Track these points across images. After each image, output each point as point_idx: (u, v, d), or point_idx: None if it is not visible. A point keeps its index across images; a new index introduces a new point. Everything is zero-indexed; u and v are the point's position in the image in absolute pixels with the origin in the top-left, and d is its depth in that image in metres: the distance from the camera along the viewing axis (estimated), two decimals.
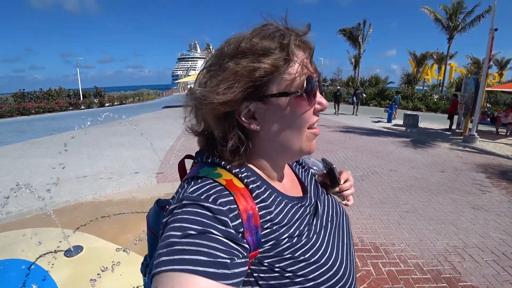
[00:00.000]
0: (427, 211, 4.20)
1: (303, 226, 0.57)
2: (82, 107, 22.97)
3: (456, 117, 11.97)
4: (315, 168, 0.84)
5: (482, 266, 2.90)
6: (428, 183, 5.43)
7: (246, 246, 0.46)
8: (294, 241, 0.53)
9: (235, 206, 0.47)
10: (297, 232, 0.55)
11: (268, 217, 0.52)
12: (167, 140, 9.04)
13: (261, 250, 0.50)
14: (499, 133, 11.22)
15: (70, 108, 22.17)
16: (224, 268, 0.40)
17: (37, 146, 8.69)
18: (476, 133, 9.18)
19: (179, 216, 0.43)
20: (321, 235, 0.59)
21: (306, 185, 0.71)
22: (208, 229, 0.42)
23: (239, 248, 0.44)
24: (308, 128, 0.56)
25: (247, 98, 0.51)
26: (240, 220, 0.46)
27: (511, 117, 11.14)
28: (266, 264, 0.50)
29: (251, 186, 0.53)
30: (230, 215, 0.45)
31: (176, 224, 0.42)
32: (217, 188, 0.48)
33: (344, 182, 0.80)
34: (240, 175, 0.53)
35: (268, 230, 0.51)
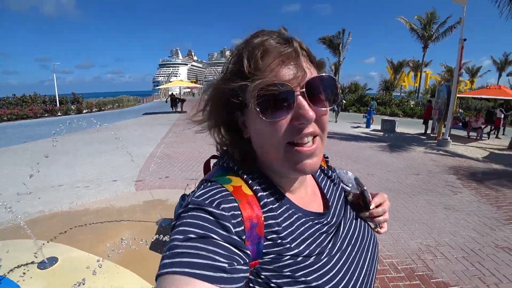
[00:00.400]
0: (402, 212, 4.35)
1: (314, 245, 0.54)
2: (59, 114, 22.16)
3: (430, 122, 12.51)
4: (350, 185, 0.75)
5: (452, 263, 3.05)
6: (403, 186, 5.63)
7: (248, 252, 0.45)
8: (298, 259, 0.50)
9: (239, 213, 0.47)
10: (306, 252, 0.52)
11: (275, 229, 0.50)
12: (146, 147, 8.88)
13: (260, 261, 0.49)
14: (470, 137, 11.80)
15: (46, 115, 21.33)
16: (222, 272, 0.40)
17: (10, 154, 8.31)
18: (449, 137, 9.62)
19: (183, 220, 0.44)
20: (335, 259, 0.55)
21: (330, 202, 0.66)
22: (209, 233, 0.42)
23: (240, 254, 0.43)
24: (290, 143, 0.50)
25: (232, 107, 0.53)
26: (242, 228, 0.46)
27: (481, 122, 11.78)
28: (262, 276, 0.49)
29: (259, 194, 0.52)
30: (233, 221, 0.45)
31: (180, 228, 0.43)
32: (222, 194, 0.48)
33: (377, 206, 0.70)
34: (250, 182, 0.53)
35: (271, 242, 0.49)
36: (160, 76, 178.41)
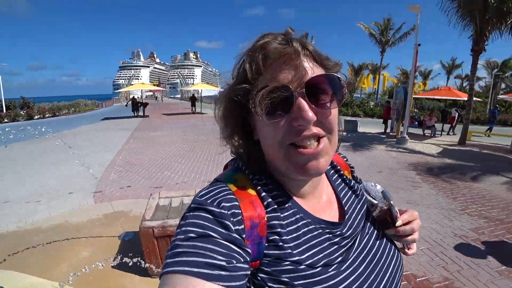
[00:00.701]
0: None
1: (321, 255, 0.51)
2: (5, 121, 20.05)
3: (389, 121, 13.29)
4: (378, 199, 0.68)
5: (418, 255, 3.20)
6: None
7: (249, 250, 0.45)
8: (300, 267, 0.48)
9: (239, 211, 0.47)
10: (309, 261, 0.49)
11: (277, 230, 0.49)
12: (106, 154, 8.27)
13: (260, 262, 0.48)
14: (425, 134, 12.73)
15: None
16: (220, 269, 0.40)
17: None
18: (407, 136, 10.29)
19: (186, 221, 0.45)
20: (344, 274, 0.51)
21: (348, 213, 0.61)
22: (208, 232, 0.42)
23: (240, 252, 0.43)
24: (293, 145, 0.49)
25: (242, 111, 0.53)
26: (242, 226, 0.46)
27: (434, 120, 12.78)
28: (259, 278, 0.47)
29: (263, 194, 0.52)
30: (233, 220, 0.45)
31: (182, 228, 0.44)
32: (224, 193, 0.49)
33: (406, 224, 0.64)
34: (255, 181, 0.53)
35: (272, 244, 0.48)
36: (121, 79, 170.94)
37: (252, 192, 0.51)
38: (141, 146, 9.51)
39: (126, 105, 25.09)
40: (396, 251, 0.64)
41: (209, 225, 0.43)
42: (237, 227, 0.45)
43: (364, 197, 0.68)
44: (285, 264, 0.48)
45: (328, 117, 0.49)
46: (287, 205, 0.53)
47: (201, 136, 11.37)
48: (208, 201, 0.47)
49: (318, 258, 0.50)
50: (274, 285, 0.46)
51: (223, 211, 0.45)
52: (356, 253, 0.56)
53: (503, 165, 7.60)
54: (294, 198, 0.56)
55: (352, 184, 0.69)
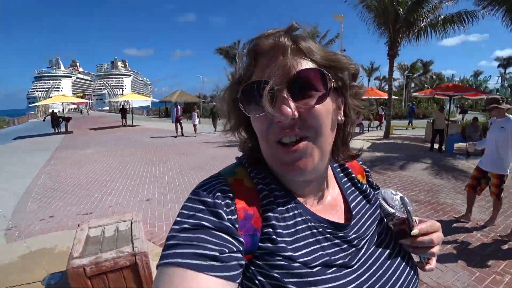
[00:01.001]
0: None
1: (318, 255, 0.48)
2: None
3: None
4: (397, 208, 0.63)
5: None
6: None
7: (242, 240, 0.44)
8: (293, 264, 0.45)
9: (233, 202, 0.47)
10: (303, 258, 0.47)
11: (271, 222, 0.48)
12: (19, 181, 6.92)
13: (253, 254, 0.47)
14: (355, 131, 14.01)
15: None
16: (212, 260, 0.39)
17: None
18: None
19: (181, 211, 0.46)
20: (343, 280, 0.47)
21: (356, 218, 0.58)
22: (201, 222, 0.43)
23: (233, 241, 0.43)
24: (278, 143, 0.48)
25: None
26: (236, 216, 0.46)
27: (361, 118, 14.15)
28: (250, 271, 0.46)
29: (259, 186, 0.52)
30: (226, 209, 0.45)
31: (177, 219, 0.45)
32: (220, 184, 0.49)
33: (424, 235, 0.56)
34: (252, 175, 0.53)
35: (265, 237, 0.47)
36: (37, 91, 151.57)
37: (249, 184, 0.51)
38: (65, 168, 8.22)
39: (44, 120, 22.23)
40: (410, 264, 0.59)
41: (202, 215, 0.44)
42: (230, 216, 0.45)
43: (377, 203, 0.64)
44: (277, 259, 0.46)
45: (313, 116, 0.46)
46: (284, 199, 0.52)
47: (134, 150, 10.51)
48: (204, 192, 0.47)
49: (315, 257, 0.48)
50: (264, 279, 0.45)
51: (217, 200, 0.45)
52: (362, 260, 0.52)
53: (421, 153, 8.73)
54: (293, 194, 0.54)
55: (364, 188, 0.65)
